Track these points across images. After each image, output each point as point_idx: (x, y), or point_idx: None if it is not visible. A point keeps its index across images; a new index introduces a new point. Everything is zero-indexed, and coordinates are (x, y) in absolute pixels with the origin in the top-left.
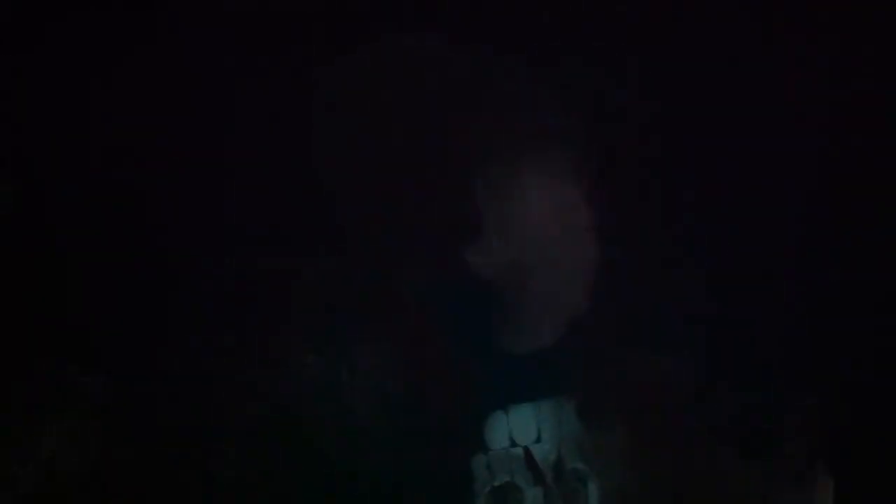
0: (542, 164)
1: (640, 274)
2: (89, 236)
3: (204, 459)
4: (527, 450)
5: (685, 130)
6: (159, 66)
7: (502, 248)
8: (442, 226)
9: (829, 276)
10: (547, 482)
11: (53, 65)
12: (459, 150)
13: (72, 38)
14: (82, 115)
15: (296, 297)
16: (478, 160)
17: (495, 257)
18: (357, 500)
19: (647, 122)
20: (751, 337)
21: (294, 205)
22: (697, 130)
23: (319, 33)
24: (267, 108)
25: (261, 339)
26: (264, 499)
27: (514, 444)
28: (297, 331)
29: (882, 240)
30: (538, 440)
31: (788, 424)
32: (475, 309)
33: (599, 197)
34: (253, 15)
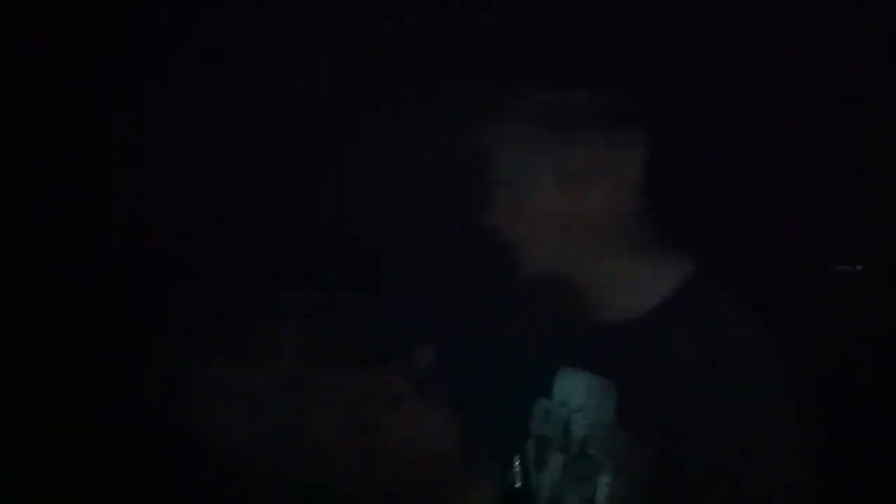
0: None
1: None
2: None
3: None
4: (569, 414)
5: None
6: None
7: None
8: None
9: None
10: (572, 452)
11: None
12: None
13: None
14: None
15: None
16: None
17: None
18: None
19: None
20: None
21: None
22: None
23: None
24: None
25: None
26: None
27: (564, 403)
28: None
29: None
30: (580, 409)
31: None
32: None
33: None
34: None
